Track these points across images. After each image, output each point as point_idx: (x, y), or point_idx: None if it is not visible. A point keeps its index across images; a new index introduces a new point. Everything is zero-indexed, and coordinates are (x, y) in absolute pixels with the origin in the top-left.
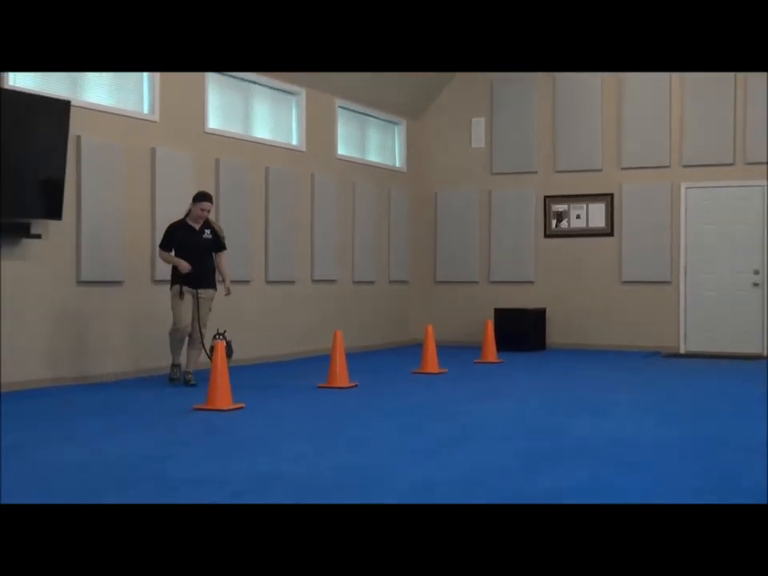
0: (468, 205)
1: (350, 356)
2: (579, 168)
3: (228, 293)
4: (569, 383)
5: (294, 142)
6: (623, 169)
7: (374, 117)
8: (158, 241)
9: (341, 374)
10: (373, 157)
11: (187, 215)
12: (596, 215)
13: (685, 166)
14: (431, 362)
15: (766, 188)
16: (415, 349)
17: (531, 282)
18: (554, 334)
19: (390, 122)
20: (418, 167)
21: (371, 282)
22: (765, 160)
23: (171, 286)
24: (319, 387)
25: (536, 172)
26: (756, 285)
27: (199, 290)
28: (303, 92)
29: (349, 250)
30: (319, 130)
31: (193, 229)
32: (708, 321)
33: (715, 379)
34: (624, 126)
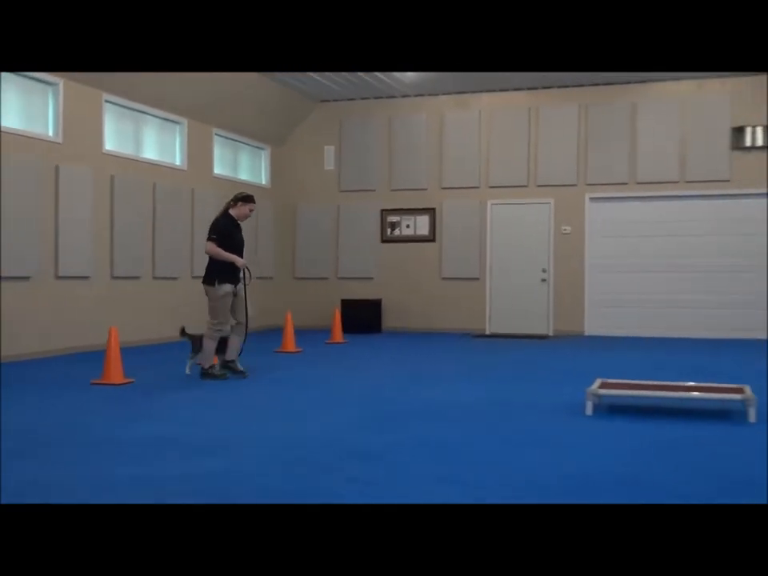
0: (321, 216)
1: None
2: (409, 187)
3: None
4: (402, 358)
5: (178, 162)
6: (443, 188)
7: (245, 143)
8: (62, 242)
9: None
10: (243, 176)
11: (226, 211)
12: (422, 225)
13: (491, 187)
14: (289, 342)
15: (551, 205)
16: (277, 332)
17: (371, 278)
18: (388, 320)
19: (257, 147)
20: (280, 185)
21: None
22: (551, 183)
23: (216, 283)
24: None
25: (375, 190)
26: (544, 280)
27: (242, 285)
28: (186, 121)
29: None
30: (199, 153)
31: (239, 226)
32: (507, 309)
33: (514, 353)
34: (444, 155)
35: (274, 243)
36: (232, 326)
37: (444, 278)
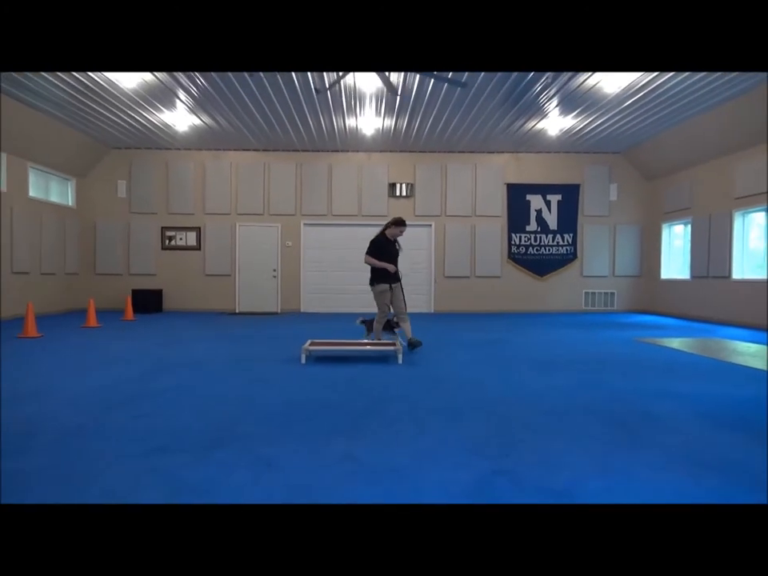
0: (116, 230)
1: (41, 317)
2: (182, 212)
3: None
4: (177, 329)
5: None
6: (206, 213)
7: (55, 174)
8: None
9: (31, 328)
10: (54, 199)
11: (383, 231)
12: (191, 238)
13: (238, 214)
14: (92, 319)
15: (279, 227)
16: (83, 313)
17: (154, 275)
18: (169, 303)
19: (65, 178)
20: (84, 206)
21: (53, 274)
22: (279, 213)
23: (374, 284)
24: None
25: (157, 213)
26: (274, 276)
27: (398, 284)
28: (4, 155)
29: (37, 254)
30: (16, 180)
31: (391, 242)
32: (250, 295)
33: (254, 325)
34: (206, 191)
35: (78, 249)
36: (399, 315)
37: (207, 275)
